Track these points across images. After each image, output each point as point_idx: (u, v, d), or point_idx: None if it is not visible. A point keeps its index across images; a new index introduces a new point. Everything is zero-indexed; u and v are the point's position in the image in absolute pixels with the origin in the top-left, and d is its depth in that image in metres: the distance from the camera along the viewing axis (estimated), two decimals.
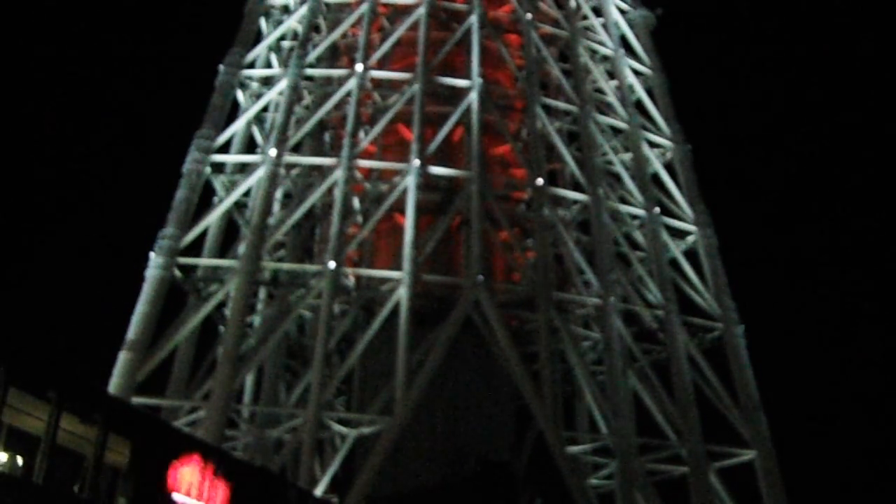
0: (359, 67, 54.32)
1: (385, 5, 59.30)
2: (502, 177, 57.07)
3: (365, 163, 53.52)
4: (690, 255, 56.64)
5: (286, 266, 54.33)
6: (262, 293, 56.04)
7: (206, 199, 54.16)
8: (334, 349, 52.57)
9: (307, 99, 60.75)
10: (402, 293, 47.97)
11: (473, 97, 53.80)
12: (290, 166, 54.70)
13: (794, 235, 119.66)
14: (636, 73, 62.03)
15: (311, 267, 52.35)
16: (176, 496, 27.36)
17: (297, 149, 55.65)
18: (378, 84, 57.60)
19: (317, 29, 60.94)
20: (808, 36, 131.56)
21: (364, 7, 56.93)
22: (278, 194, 56.81)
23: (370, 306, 51.83)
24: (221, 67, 57.18)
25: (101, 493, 26.01)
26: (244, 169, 54.11)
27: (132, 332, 47.04)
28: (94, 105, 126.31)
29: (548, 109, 57.09)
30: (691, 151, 59.95)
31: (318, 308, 49.65)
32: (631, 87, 61.25)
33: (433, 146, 52.21)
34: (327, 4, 60.54)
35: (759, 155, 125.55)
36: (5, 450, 24.35)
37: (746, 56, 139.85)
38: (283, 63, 58.70)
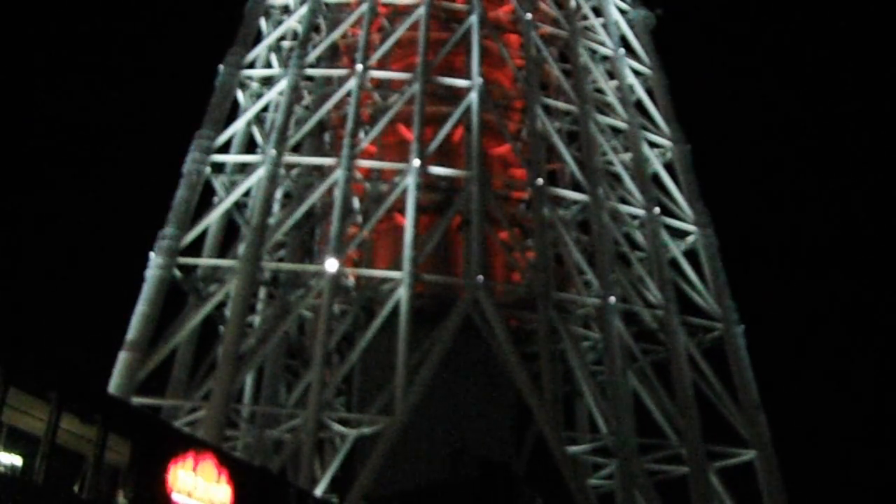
0: (359, 67, 54.33)
1: (385, 5, 59.28)
2: (502, 177, 57.07)
3: (365, 163, 53.51)
4: (690, 255, 56.63)
5: (286, 266, 54.32)
6: (262, 293, 56.01)
7: (206, 199, 54.22)
8: (334, 349, 52.55)
9: (307, 99, 60.76)
10: (402, 293, 47.96)
11: (473, 97, 53.80)
12: (290, 166, 54.68)
13: (794, 236, 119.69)
14: (636, 73, 62.05)
15: (311, 267, 52.36)
16: (175, 496, 27.35)
17: (297, 149, 55.64)
18: (378, 84, 57.60)
19: (317, 29, 60.95)
20: (808, 35, 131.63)
21: (364, 7, 56.95)
22: (278, 194, 56.81)
23: (370, 306, 51.80)
24: (221, 67, 57.18)
25: (101, 493, 26.01)
26: (244, 169, 54.09)
27: (132, 332, 47.01)
28: (94, 105, 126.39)
29: (548, 109, 57.11)
30: (691, 151, 59.96)
31: (318, 308, 49.62)
32: (631, 87, 61.27)
33: (433, 146, 52.20)
34: (327, 4, 60.55)
35: (759, 155, 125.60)
36: (5, 450, 24.36)
37: (746, 56, 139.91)
38: (283, 63, 58.70)
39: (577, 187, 56.12)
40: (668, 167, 59.35)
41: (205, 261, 51.97)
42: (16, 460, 24.63)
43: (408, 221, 49.98)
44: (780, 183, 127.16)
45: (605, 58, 62.30)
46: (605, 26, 62.67)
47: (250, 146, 57.89)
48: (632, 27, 64.05)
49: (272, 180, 51.55)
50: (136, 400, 44.39)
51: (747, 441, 50.84)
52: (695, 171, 59.32)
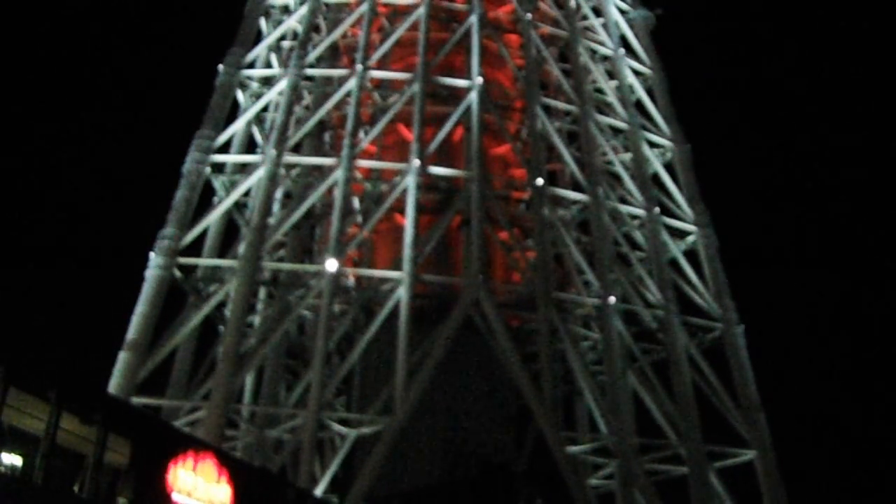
0: (359, 67, 54.32)
1: (385, 5, 59.32)
2: (502, 177, 57.06)
3: (365, 163, 53.51)
4: (690, 255, 56.63)
5: (286, 266, 54.31)
6: (262, 293, 56.00)
7: (206, 199, 54.21)
8: (334, 349, 52.53)
9: (307, 99, 60.75)
10: (402, 293, 47.93)
11: (473, 97, 53.79)
12: (290, 166, 54.67)
13: (793, 236, 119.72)
14: (636, 73, 62.05)
15: (311, 267, 52.34)
16: (175, 496, 27.36)
17: (297, 149, 55.61)
18: (378, 84, 57.59)
19: (317, 29, 60.93)
20: (808, 36, 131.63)
21: (364, 7, 56.94)
22: (278, 194, 56.81)
23: (370, 306, 51.79)
24: (221, 67, 57.17)
25: (101, 493, 26.01)
26: (244, 169, 54.09)
27: (132, 332, 46.99)
28: (94, 105, 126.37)
29: (548, 109, 57.10)
30: (691, 151, 59.96)
31: (318, 308, 49.62)
32: (631, 87, 61.26)
33: (433, 146, 52.19)
34: (327, 4, 60.56)
35: (759, 155, 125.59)
36: (5, 450, 24.34)
37: (746, 56, 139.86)
38: (283, 63, 58.70)
39: (577, 187, 56.11)
40: (668, 167, 59.35)
41: (205, 261, 51.97)
42: (16, 460, 24.62)
43: (408, 221, 49.96)
44: (780, 183, 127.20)
45: (605, 58, 62.30)
46: (605, 26, 62.66)
47: (250, 146, 57.91)
48: (632, 27, 64.06)
49: (272, 180, 51.53)
50: (136, 400, 44.40)
51: (747, 441, 50.83)
52: (695, 171, 59.36)
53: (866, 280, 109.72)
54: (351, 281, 53.19)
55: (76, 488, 25.71)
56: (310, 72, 57.13)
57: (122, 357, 46.14)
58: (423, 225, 50.65)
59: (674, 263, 55.92)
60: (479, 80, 54.12)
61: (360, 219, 55.05)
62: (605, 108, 59.70)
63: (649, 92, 61.96)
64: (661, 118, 60.94)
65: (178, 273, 49.68)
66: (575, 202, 55.86)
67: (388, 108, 54.57)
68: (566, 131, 60.83)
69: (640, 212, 55.69)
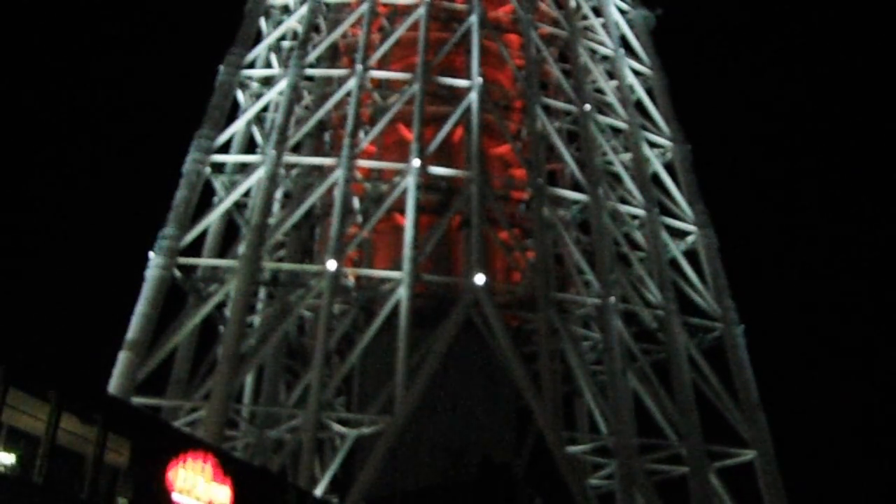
0: (359, 67, 54.33)
1: (385, 5, 59.35)
2: (502, 177, 57.06)
3: (365, 163, 53.53)
4: (690, 255, 56.64)
5: (286, 266, 54.31)
6: (262, 293, 56.01)
7: (206, 199, 54.23)
8: (334, 349, 52.53)
9: (307, 99, 60.76)
10: (402, 293, 47.96)
11: (473, 97, 53.80)
12: (290, 166, 54.71)
13: (794, 236, 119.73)
14: (636, 73, 62.07)
15: (311, 267, 52.34)
16: (175, 496, 27.36)
17: (297, 149, 55.64)
18: (378, 84, 57.63)
19: (317, 29, 60.97)
20: (807, 36, 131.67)
21: (364, 7, 56.97)
22: (278, 194, 56.82)
23: (370, 306, 51.79)
24: (221, 67, 57.21)
25: (101, 493, 26.01)
26: (244, 169, 54.12)
27: (132, 332, 47.02)
28: (94, 105, 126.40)
29: (548, 109, 57.12)
30: (691, 151, 59.97)
31: (318, 308, 49.63)
32: (631, 87, 61.28)
33: (433, 146, 52.21)
34: (327, 4, 60.60)
35: (759, 155, 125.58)
36: (5, 450, 24.35)
37: (746, 56, 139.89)
38: (283, 63, 58.74)
39: (577, 187, 56.13)
40: (668, 167, 59.37)
41: (205, 261, 52.00)
42: (16, 460, 24.62)
43: (408, 221, 49.98)
44: (779, 183, 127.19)
45: (605, 58, 62.31)
46: (605, 26, 62.68)
47: (250, 146, 57.92)
48: (632, 27, 64.09)
49: (272, 180, 51.56)
50: (136, 400, 44.40)
51: (747, 441, 50.84)
52: (695, 171, 59.38)
53: (866, 280, 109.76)
54: (351, 281, 53.19)
55: (76, 488, 25.71)
56: (310, 72, 57.18)
57: (122, 357, 46.17)
58: (423, 225, 50.67)
59: (674, 263, 55.94)
60: (479, 80, 54.15)
61: (360, 219, 55.05)
62: (605, 108, 59.71)
63: (649, 92, 61.98)
64: (661, 118, 60.96)
65: (178, 273, 49.71)
66: (575, 202, 55.87)
67: (388, 108, 54.61)
68: (566, 131, 60.86)
69: (640, 212, 55.71)
